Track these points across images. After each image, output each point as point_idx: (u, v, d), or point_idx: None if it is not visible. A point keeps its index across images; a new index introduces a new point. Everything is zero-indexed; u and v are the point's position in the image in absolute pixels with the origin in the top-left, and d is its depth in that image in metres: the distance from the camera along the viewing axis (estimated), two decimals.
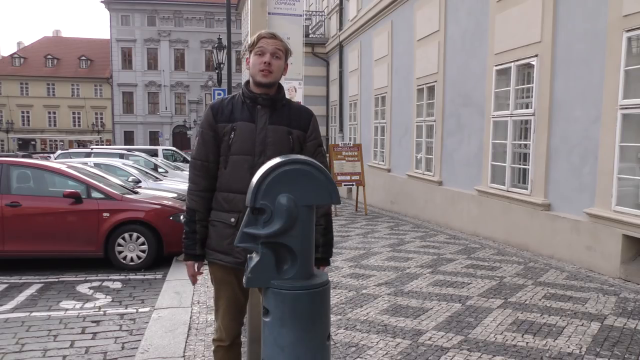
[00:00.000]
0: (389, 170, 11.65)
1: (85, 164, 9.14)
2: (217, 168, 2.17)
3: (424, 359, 3.20)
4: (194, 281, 2.27)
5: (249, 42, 2.20)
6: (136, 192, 7.12)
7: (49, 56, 51.08)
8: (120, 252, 6.13)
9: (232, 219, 2.09)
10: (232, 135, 2.12)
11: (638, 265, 5.00)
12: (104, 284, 5.51)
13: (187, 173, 14.07)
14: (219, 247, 2.13)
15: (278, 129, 2.15)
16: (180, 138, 47.16)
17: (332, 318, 3.88)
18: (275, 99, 2.18)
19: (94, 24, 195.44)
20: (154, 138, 47.85)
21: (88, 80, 50.81)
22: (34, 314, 4.47)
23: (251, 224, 1.64)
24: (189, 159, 20.77)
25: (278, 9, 3.54)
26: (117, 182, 7.47)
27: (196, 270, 2.21)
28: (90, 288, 5.31)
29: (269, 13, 3.45)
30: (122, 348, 3.68)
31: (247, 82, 2.25)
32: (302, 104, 2.91)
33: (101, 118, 51.17)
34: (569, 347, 3.35)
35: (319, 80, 17.68)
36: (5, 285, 5.42)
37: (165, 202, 6.79)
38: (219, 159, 2.16)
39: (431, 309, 4.18)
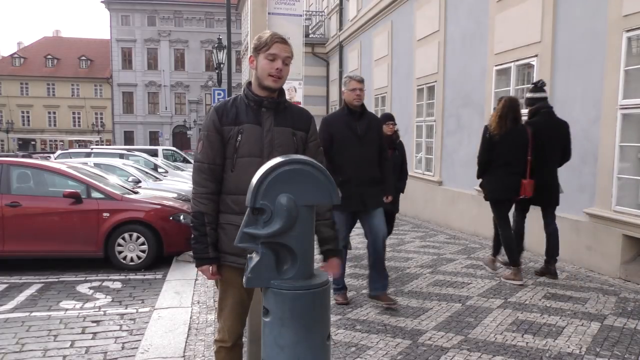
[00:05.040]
0: None
1: (85, 164, 9.13)
2: (223, 171, 2.17)
3: (424, 359, 3.20)
4: (217, 278, 2.23)
5: (259, 41, 2.16)
6: (136, 192, 7.12)
7: (49, 56, 51.10)
8: (120, 252, 6.13)
9: None
10: (239, 138, 2.13)
11: (638, 265, 5.00)
12: (104, 284, 5.51)
13: (187, 173, 13.89)
14: (231, 249, 2.11)
15: (284, 130, 2.18)
16: (180, 138, 47.18)
17: (332, 318, 3.88)
18: (279, 102, 2.21)
19: (94, 24, 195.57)
20: (154, 138, 47.86)
21: (88, 80, 50.82)
22: (34, 314, 4.47)
23: (251, 224, 1.64)
24: (189, 159, 20.76)
25: (278, 9, 3.54)
26: (117, 182, 7.47)
27: (212, 273, 2.18)
28: (90, 288, 5.31)
29: (269, 13, 3.45)
30: (122, 348, 3.68)
31: (249, 84, 2.25)
32: (302, 104, 2.91)
33: (101, 118, 51.17)
34: (569, 347, 3.35)
35: (319, 80, 17.68)
36: (5, 285, 5.42)
37: (165, 202, 6.79)
38: (224, 162, 2.17)
39: (431, 309, 4.18)
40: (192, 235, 2.17)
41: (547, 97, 5.18)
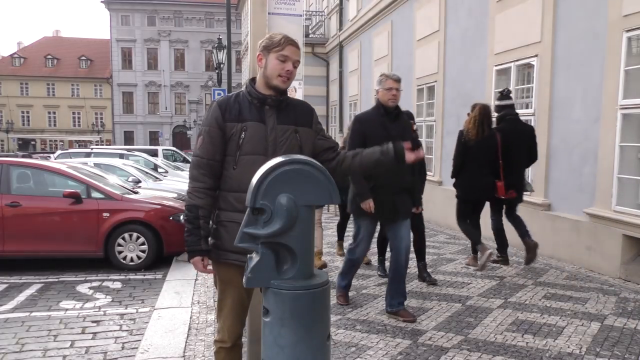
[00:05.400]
0: None
1: (85, 164, 9.13)
2: (222, 167, 2.17)
3: (424, 359, 3.20)
4: (209, 272, 2.25)
5: (271, 41, 2.17)
6: (136, 192, 7.12)
7: (49, 56, 51.08)
8: (120, 252, 6.13)
9: None
10: (243, 136, 2.12)
11: (638, 265, 5.00)
12: (104, 284, 5.51)
13: (187, 173, 13.98)
14: (234, 247, 2.07)
15: (287, 128, 2.18)
16: (180, 138, 47.17)
17: (332, 318, 3.88)
18: (282, 100, 2.21)
19: (94, 24, 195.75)
20: (154, 138, 47.85)
21: (88, 80, 50.81)
22: (34, 314, 4.47)
23: (251, 224, 1.64)
24: (189, 159, 20.76)
25: (278, 9, 3.54)
26: (117, 182, 7.47)
27: (204, 266, 2.19)
28: (90, 288, 5.31)
29: (269, 13, 3.44)
30: (122, 348, 3.68)
31: (252, 80, 2.24)
32: None
33: (101, 118, 51.16)
34: (569, 347, 3.35)
35: (319, 80, 17.68)
36: (5, 285, 5.42)
37: (165, 202, 6.78)
38: (224, 159, 2.16)
39: (431, 309, 4.18)
40: (185, 229, 2.17)
41: (514, 104, 5.57)
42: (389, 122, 3.86)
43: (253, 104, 2.18)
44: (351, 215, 4.37)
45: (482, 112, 5.12)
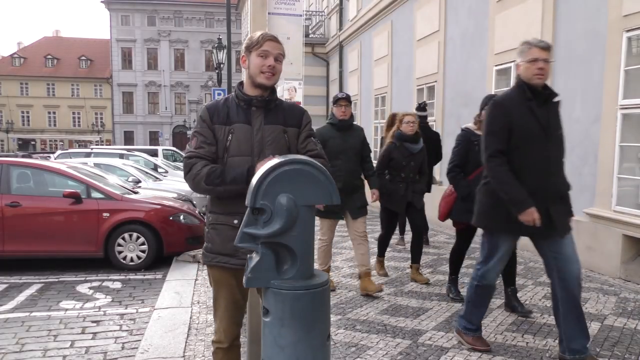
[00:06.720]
0: None
1: (85, 164, 9.13)
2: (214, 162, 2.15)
3: (424, 359, 3.20)
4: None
5: (251, 40, 2.18)
6: (136, 192, 7.12)
7: (49, 56, 51.07)
8: (120, 252, 6.13)
9: (235, 221, 2.07)
10: (230, 138, 2.13)
11: (638, 265, 5.00)
12: (104, 284, 5.50)
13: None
14: (224, 250, 2.11)
15: (274, 128, 2.18)
16: (180, 138, 47.14)
17: (332, 318, 3.87)
18: (269, 100, 2.20)
19: (94, 24, 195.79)
20: (154, 138, 47.85)
21: (88, 80, 50.79)
22: (34, 314, 4.47)
23: (251, 224, 1.64)
24: None
25: (278, 9, 3.54)
26: (117, 182, 7.46)
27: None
28: (90, 288, 5.31)
29: (269, 13, 3.45)
30: (122, 348, 3.68)
31: (240, 84, 2.26)
32: (302, 104, 2.91)
33: (101, 118, 51.14)
34: None
35: (319, 80, 17.68)
36: (5, 285, 5.42)
37: (165, 202, 6.78)
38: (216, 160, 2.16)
39: (431, 309, 4.18)
40: (225, 181, 2.06)
41: (427, 115, 6.79)
42: (538, 107, 2.95)
43: (240, 106, 2.18)
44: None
45: (391, 118, 5.91)
